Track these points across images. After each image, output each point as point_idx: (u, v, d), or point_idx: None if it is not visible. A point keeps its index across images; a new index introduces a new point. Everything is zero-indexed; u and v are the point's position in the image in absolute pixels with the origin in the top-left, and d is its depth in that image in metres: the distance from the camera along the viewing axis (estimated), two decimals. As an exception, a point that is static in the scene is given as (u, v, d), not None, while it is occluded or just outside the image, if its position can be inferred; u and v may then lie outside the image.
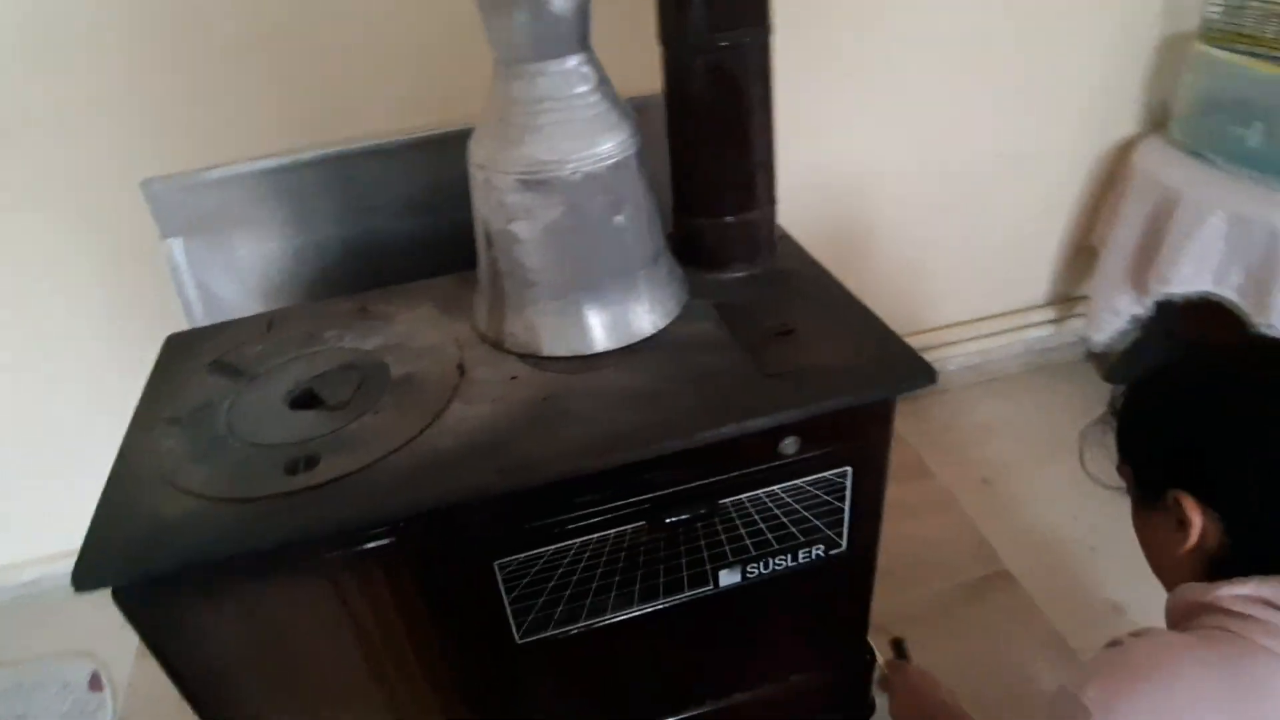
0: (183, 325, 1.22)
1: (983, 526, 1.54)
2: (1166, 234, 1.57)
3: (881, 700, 1.15)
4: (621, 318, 0.96)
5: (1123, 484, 0.79)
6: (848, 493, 0.95)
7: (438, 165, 1.30)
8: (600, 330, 0.95)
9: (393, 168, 1.28)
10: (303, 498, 0.82)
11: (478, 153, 0.91)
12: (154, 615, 0.83)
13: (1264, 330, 1.48)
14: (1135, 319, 1.68)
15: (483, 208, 0.93)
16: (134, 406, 0.98)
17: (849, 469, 0.94)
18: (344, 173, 1.28)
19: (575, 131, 0.88)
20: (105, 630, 1.61)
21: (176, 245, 1.28)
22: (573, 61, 0.87)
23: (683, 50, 0.95)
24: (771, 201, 1.05)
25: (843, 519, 0.98)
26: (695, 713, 1.12)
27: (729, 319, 0.99)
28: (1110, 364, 1.88)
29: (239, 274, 1.32)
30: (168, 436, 0.93)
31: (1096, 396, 1.85)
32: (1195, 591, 0.67)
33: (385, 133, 1.28)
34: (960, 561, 1.48)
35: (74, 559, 0.78)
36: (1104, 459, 0.81)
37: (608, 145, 0.89)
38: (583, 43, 0.88)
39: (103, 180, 1.27)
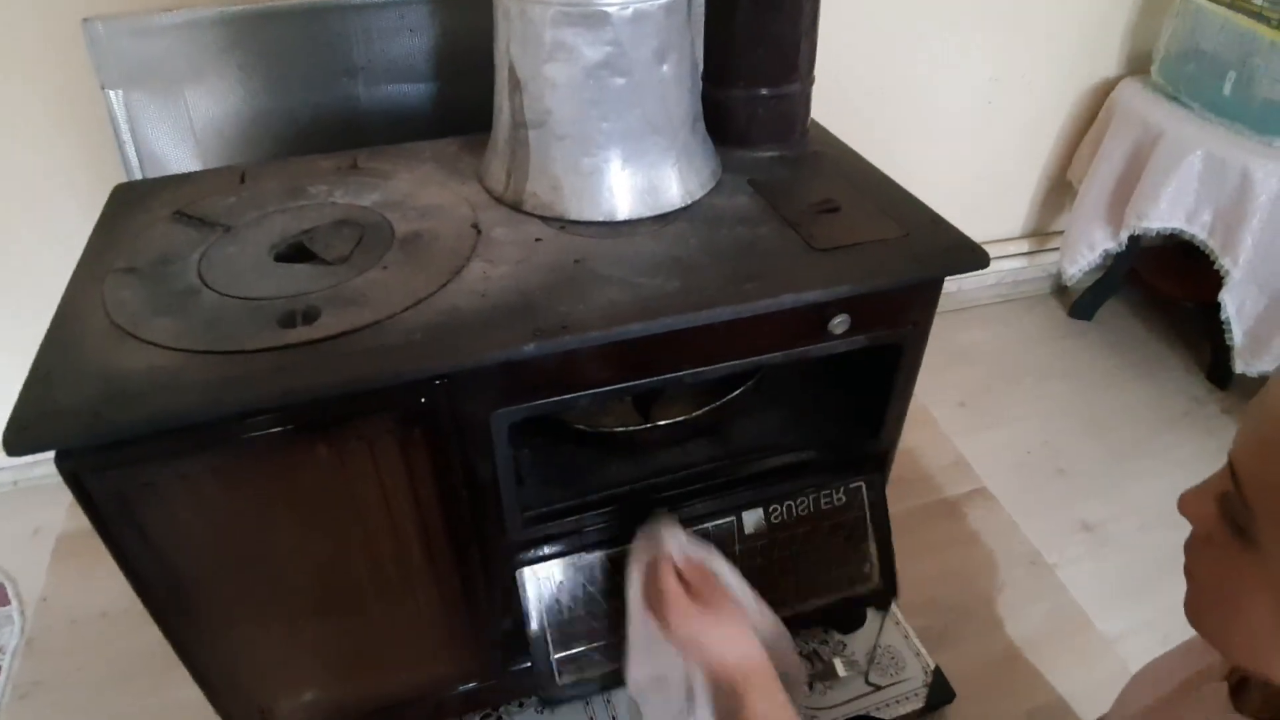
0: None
1: (960, 445, 1.54)
2: (1146, 170, 1.59)
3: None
4: (657, 182, 0.88)
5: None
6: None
7: (428, 26, 1.17)
8: (633, 194, 0.87)
9: (378, 26, 1.14)
10: (304, 352, 0.71)
11: (510, -21, 0.80)
12: (110, 487, 0.70)
13: (1225, 267, 1.53)
14: (1106, 254, 1.71)
15: (512, 46, 0.82)
16: (63, 265, 0.83)
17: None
18: (321, 28, 1.13)
19: (626, -40, 0.78)
20: (10, 536, 1.44)
21: (116, 97, 1.12)
22: (627, -123, 0.77)
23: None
24: (811, 77, 0.98)
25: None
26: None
27: (765, 194, 0.92)
28: (1075, 300, 1.92)
29: (189, 135, 1.17)
30: (123, 287, 0.80)
31: (1061, 330, 1.89)
32: None
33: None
34: (940, 478, 1.48)
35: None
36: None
37: (661, -20, 0.80)
38: None
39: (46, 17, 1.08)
